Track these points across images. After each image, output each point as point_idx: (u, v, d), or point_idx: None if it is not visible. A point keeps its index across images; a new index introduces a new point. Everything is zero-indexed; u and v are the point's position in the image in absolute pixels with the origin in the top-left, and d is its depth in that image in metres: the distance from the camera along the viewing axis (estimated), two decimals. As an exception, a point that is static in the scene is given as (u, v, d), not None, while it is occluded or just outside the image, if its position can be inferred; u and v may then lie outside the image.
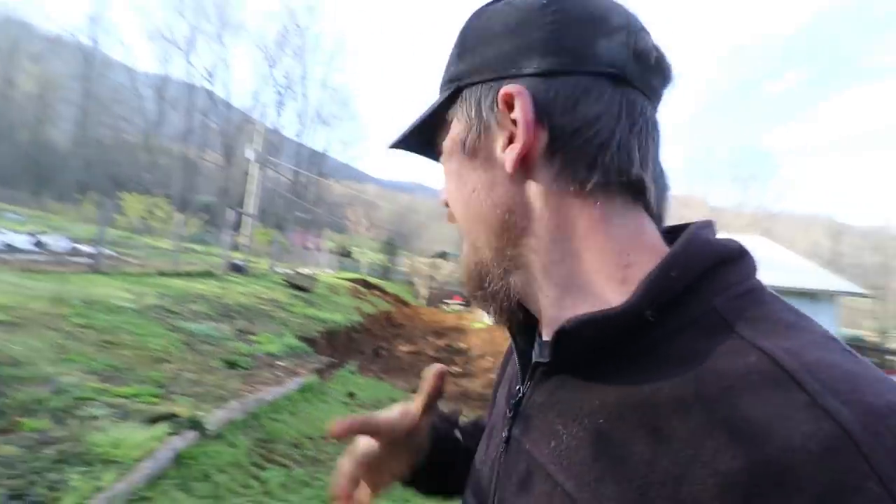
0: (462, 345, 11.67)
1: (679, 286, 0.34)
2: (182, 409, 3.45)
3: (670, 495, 0.28)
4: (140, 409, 3.36)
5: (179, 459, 2.83)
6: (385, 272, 32.91)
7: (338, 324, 10.27)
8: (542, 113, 0.38)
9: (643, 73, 0.39)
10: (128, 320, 5.55)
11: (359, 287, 18.62)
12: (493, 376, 0.63)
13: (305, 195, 46.25)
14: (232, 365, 5.19)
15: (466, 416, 0.69)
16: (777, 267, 14.92)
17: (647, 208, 0.40)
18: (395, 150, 0.51)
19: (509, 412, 0.44)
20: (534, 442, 0.39)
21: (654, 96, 0.40)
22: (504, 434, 0.44)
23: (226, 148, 40.12)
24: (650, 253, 0.37)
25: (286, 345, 6.95)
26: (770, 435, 0.26)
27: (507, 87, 0.38)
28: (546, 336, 0.42)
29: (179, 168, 39.08)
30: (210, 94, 42.11)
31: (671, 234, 0.40)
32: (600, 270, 0.38)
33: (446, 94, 0.44)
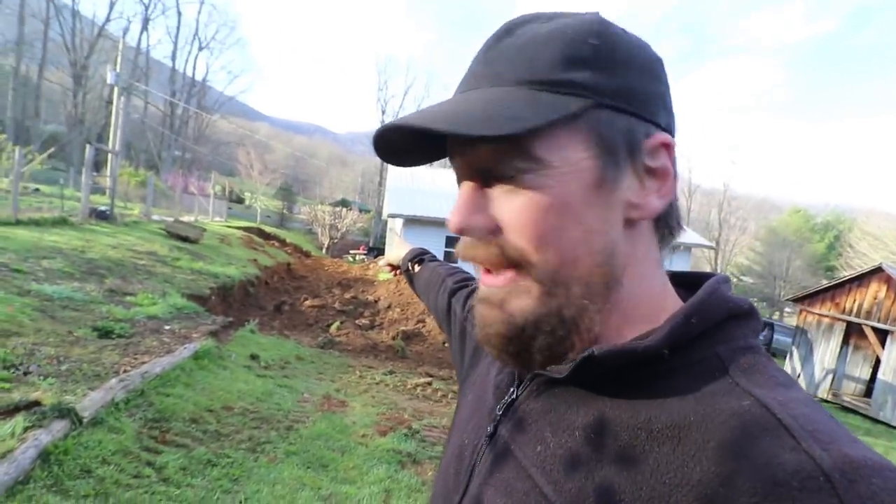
0: (369, 297, 11.53)
1: (696, 332, 0.37)
2: (44, 393, 2.89)
3: None
4: (-16, 397, 2.74)
5: (47, 456, 2.38)
6: (282, 220, 30.93)
7: (232, 278, 9.44)
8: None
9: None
10: (-46, 284, 4.47)
11: (253, 237, 17.26)
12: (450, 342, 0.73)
13: (183, 131, 40.65)
14: (105, 333, 4.49)
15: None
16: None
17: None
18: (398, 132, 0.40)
19: (499, 410, 0.46)
20: (520, 444, 0.41)
21: None
22: (489, 429, 0.46)
23: (75, 67, 33.00)
24: (672, 296, 0.42)
25: (172, 305, 6.20)
26: (757, 469, 0.29)
27: (664, 136, 0.39)
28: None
29: (12, 88, 31.54)
30: (48, -3, 33.94)
31: (676, 277, 0.45)
32: (646, 315, 0.40)
33: (580, 103, 0.37)
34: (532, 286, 0.39)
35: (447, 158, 0.44)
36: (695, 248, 18.82)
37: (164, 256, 9.34)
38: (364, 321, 9.57)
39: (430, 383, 6.35)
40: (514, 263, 0.39)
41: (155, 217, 14.86)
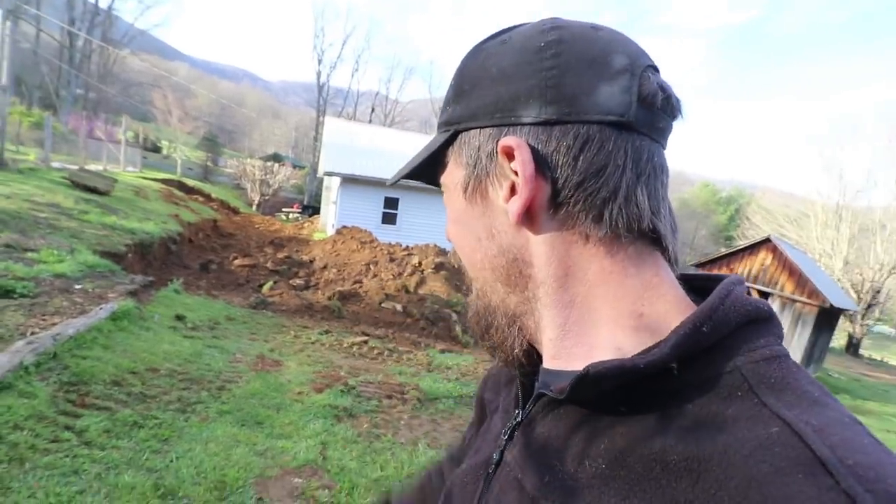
0: (304, 257, 11.23)
1: (709, 342, 0.33)
2: (-63, 357, 2.63)
3: None
4: None
5: (-53, 423, 2.21)
6: (206, 173, 28.75)
7: (151, 235, 8.78)
8: (543, 164, 0.37)
9: (648, 116, 0.37)
10: None
11: (174, 190, 15.98)
12: (475, 391, 0.64)
13: (86, 67, 35.84)
14: (6, 293, 4.08)
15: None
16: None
17: (665, 252, 0.40)
18: (400, 180, 0.51)
19: (504, 434, 0.44)
20: (526, 472, 0.39)
21: (661, 138, 0.39)
22: (496, 456, 0.44)
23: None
24: (667, 302, 0.37)
25: (83, 263, 5.71)
26: None
27: (506, 140, 0.38)
28: (549, 366, 0.41)
29: None
30: None
31: (687, 280, 0.41)
32: (611, 318, 0.37)
33: (444, 136, 0.43)
34: (475, 285, 0.46)
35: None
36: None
37: (70, 209, 8.46)
38: (299, 281, 9.37)
39: (366, 342, 6.45)
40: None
41: (55, 164, 13.26)
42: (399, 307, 8.58)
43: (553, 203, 0.38)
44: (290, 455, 3.03)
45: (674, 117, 0.40)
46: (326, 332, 6.70)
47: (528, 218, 0.39)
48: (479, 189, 0.42)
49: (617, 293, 0.37)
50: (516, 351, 0.43)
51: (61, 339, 3.38)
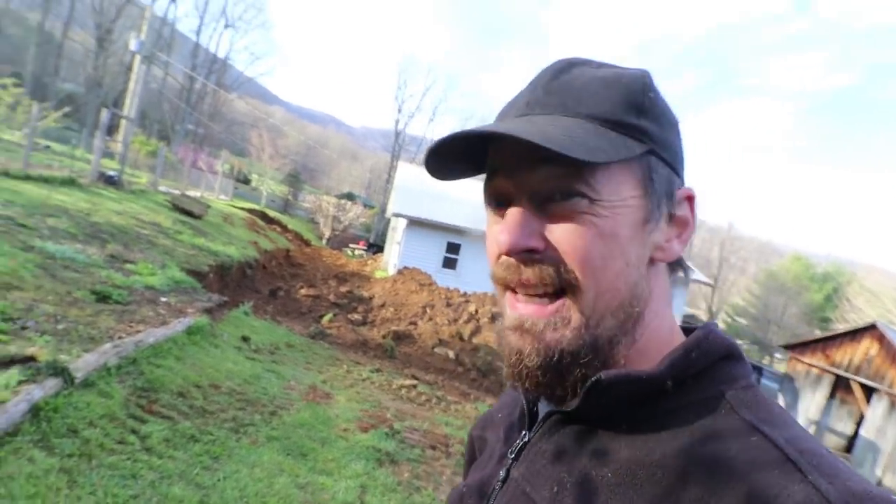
0: (364, 293, 11.55)
1: (696, 368, 0.40)
2: (40, 350, 2.93)
3: None
4: (-19, 347, 2.78)
5: (37, 412, 2.42)
6: (286, 206, 30.94)
7: (231, 258, 9.47)
8: None
9: None
10: (-40, 231, 4.51)
11: (256, 219, 17.30)
12: (465, 445, 0.66)
13: (199, 106, 40.77)
14: (103, 298, 4.53)
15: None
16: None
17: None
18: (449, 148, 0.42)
19: (511, 454, 0.47)
20: (535, 486, 0.42)
21: None
22: (502, 474, 0.47)
23: (99, 30, 33.07)
24: (679, 337, 0.45)
25: (171, 278, 6.23)
26: (769, 499, 0.31)
27: (689, 189, 0.45)
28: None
29: (35, 44, 31.63)
30: (83, -42, 34.14)
31: None
32: (660, 350, 0.43)
33: (641, 147, 0.41)
34: (574, 316, 0.40)
35: (485, 180, 0.45)
36: (692, 283, 18.92)
37: (167, 228, 9.38)
38: (357, 316, 9.60)
39: (415, 386, 6.38)
40: (563, 287, 0.40)
41: (162, 188, 14.90)
42: (451, 354, 8.47)
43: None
44: (329, 494, 2.99)
45: None
46: (378, 370, 6.73)
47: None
48: (654, 216, 0.42)
49: (665, 325, 0.45)
50: (573, 393, 0.42)
51: (142, 346, 3.66)
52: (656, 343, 0.43)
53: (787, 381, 13.22)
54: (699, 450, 0.36)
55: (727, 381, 0.40)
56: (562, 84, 0.42)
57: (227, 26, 43.50)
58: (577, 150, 0.36)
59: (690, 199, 0.45)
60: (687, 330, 0.48)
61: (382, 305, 10.62)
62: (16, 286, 3.90)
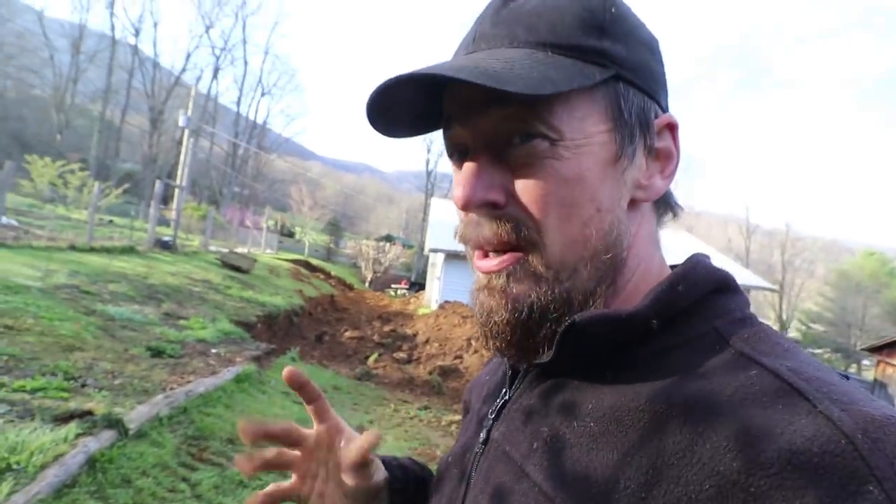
0: (408, 331, 11.56)
1: (683, 303, 0.36)
2: (97, 404, 3.06)
3: (661, 496, 0.28)
4: (46, 405, 2.94)
5: (93, 463, 2.50)
6: (328, 254, 31.98)
7: (278, 308, 9.79)
8: None
9: None
10: (32, 301, 4.90)
11: (300, 269, 17.92)
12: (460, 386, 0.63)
13: (244, 169, 43.62)
14: (157, 353, 4.74)
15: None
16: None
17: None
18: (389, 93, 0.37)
19: (491, 414, 0.44)
20: (514, 444, 0.39)
21: None
22: (483, 436, 0.43)
23: (152, 112, 36.55)
24: (665, 272, 0.41)
25: (220, 330, 6.48)
26: (772, 438, 0.26)
27: (669, 116, 0.39)
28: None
29: (98, 131, 35.24)
30: (135, 50, 38.19)
31: None
32: (647, 293, 0.38)
33: (604, 72, 0.36)
34: (539, 268, 0.36)
35: (442, 133, 0.41)
36: (755, 291, 17.76)
37: (217, 284, 9.85)
38: (402, 354, 9.57)
39: (464, 420, 6.21)
40: (523, 241, 0.36)
41: (212, 248, 15.81)
42: (500, 385, 8.25)
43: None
44: (380, 534, 2.88)
45: None
46: (426, 407, 6.60)
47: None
48: (628, 151, 0.37)
49: (653, 270, 0.41)
50: (561, 338, 0.37)
51: (192, 395, 3.77)
52: (644, 288, 0.38)
53: (879, 388, 11.94)
54: (688, 390, 0.31)
55: (720, 315, 0.35)
56: (510, 12, 0.37)
57: (263, 94, 46.95)
58: (517, 83, 0.32)
59: (672, 127, 0.39)
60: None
61: (427, 342, 10.56)
62: (78, 347, 4.16)
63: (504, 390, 0.44)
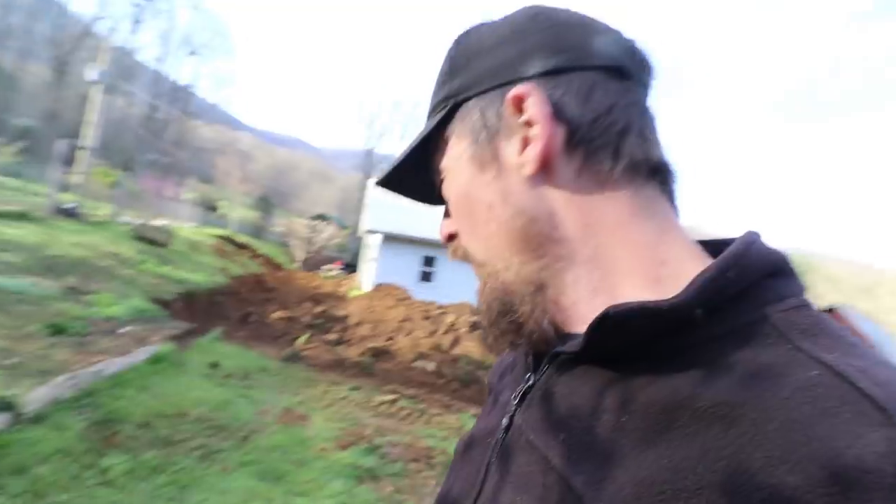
0: (340, 312, 11.37)
1: (734, 290, 0.31)
2: (-15, 386, 2.75)
3: None
4: (-82, 387, 2.59)
5: (-19, 451, 2.26)
6: (257, 231, 30.44)
7: (199, 285, 9.21)
8: (556, 109, 0.37)
9: (638, 68, 0.39)
10: None
11: (225, 245, 16.93)
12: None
13: (164, 134, 39.99)
14: (59, 330, 4.31)
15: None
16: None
17: (672, 200, 0.39)
18: (386, 188, 0.50)
19: (514, 399, 0.41)
20: (539, 433, 0.36)
21: (648, 92, 0.41)
22: (505, 421, 0.41)
23: (57, 62, 32.36)
24: (683, 248, 0.36)
25: (133, 307, 6.00)
26: (837, 451, 0.23)
27: (517, 90, 0.37)
28: (572, 331, 0.38)
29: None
30: (36, -9, 33.51)
31: (705, 245, 0.39)
32: (634, 269, 0.36)
33: (442, 112, 0.42)
34: (480, 272, 0.43)
35: None
36: None
37: (130, 258, 9.06)
38: (333, 336, 9.41)
39: (395, 401, 6.26)
40: (463, 256, 0.44)
41: (125, 219, 14.44)
42: (431, 367, 8.38)
43: (570, 145, 0.37)
44: (306, 514, 2.87)
45: (653, 77, 0.41)
46: (356, 388, 6.58)
47: (545, 168, 0.37)
48: (487, 152, 0.40)
49: (637, 239, 0.36)
50: (545, 322, 0.38)
51: (100, 377, 3.49)
52: (636, 261, 0.36)
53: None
54: (735, 387, 0.27)
55: (774, 300, 0.31)
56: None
57: (190, 54, 43.10)
58: (394, 174, 0.47)
59: (516, 99, 0.37)
60: (709, 244, 0.38)
61: (359, 323, 10.46)
62: (-40, 323, 3.68)
63: (529, 374, 0.41)
